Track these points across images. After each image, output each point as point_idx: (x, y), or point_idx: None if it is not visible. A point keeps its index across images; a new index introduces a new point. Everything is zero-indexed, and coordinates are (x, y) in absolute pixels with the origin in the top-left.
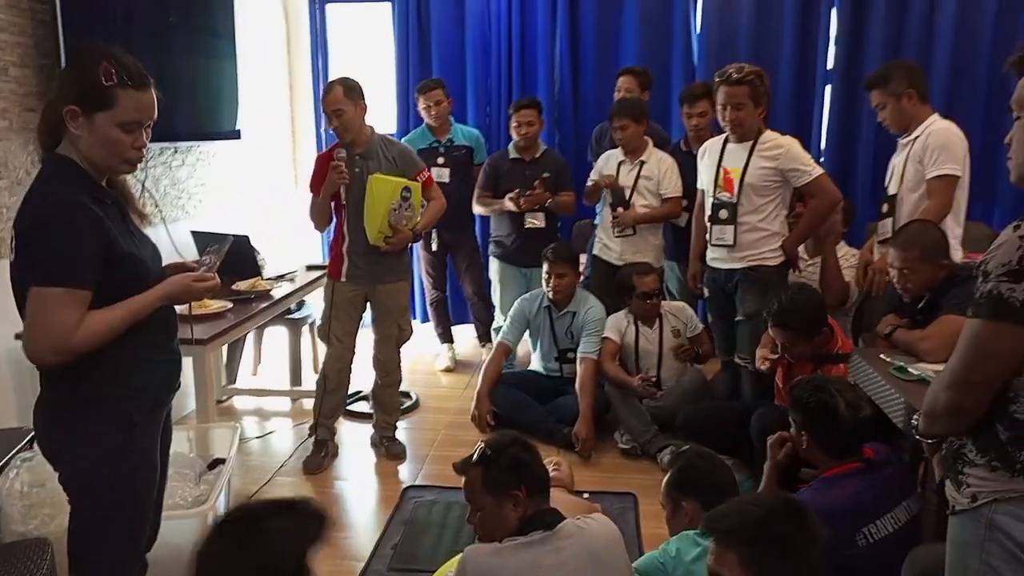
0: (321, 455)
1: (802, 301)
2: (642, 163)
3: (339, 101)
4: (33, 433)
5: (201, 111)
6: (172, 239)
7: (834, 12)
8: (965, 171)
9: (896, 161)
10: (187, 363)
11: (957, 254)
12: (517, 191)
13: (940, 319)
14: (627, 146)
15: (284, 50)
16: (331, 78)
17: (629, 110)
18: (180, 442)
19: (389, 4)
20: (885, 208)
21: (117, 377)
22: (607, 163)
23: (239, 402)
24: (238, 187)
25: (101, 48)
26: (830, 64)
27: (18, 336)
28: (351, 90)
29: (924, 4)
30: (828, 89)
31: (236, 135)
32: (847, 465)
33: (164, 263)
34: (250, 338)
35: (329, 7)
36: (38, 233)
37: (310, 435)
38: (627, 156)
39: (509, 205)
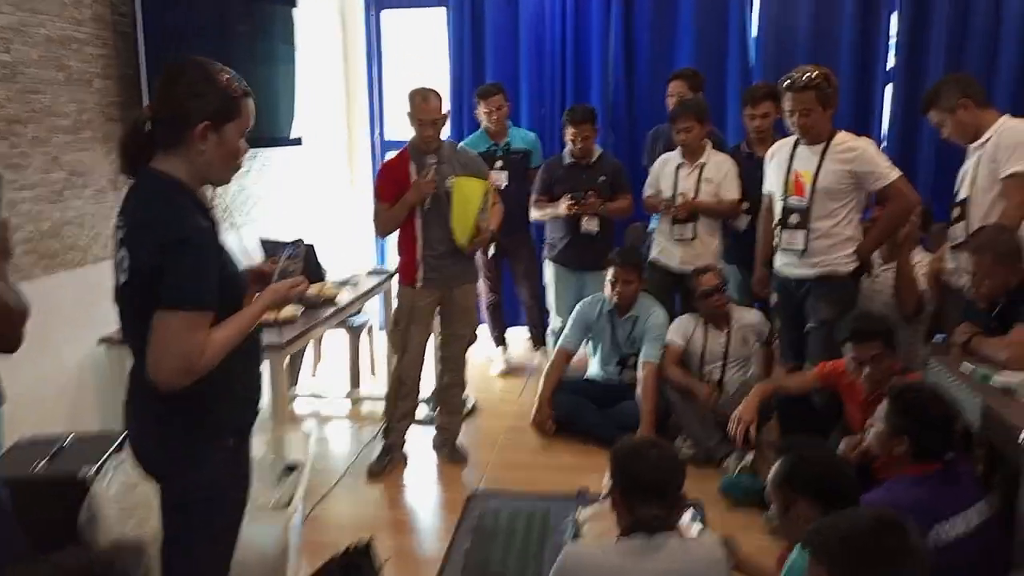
0: (386, 459)
1: (880, 319)
2: (702, 165)
3: (437, 110)
4: (128, 442)
5: (264, 118)
6: (241, 245)
7: (894, 16)
8: None
9: (967, 166)
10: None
11: None
12: (571, 196)
13: (1019, 327)
14: (688, 148)
15: (341, 56)
16: (385, 84)
17: (693, 111)
18: (257, 447)
19: (444, 9)
20: (956, 213)
21: (228, 388)
22: (664, 167)
23: (299, 405)
24: (298, 192)
25: (209, 61)
26: (890, 64)
27: (102, 340)
28: (441, 100)
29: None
30: (889, 89)
31: (297, 142)
32: (930, 466)
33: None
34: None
35: (384, 13)
36: (171, 257)
37: (384, 438)
38: (686, 158)
39: (563, 211)
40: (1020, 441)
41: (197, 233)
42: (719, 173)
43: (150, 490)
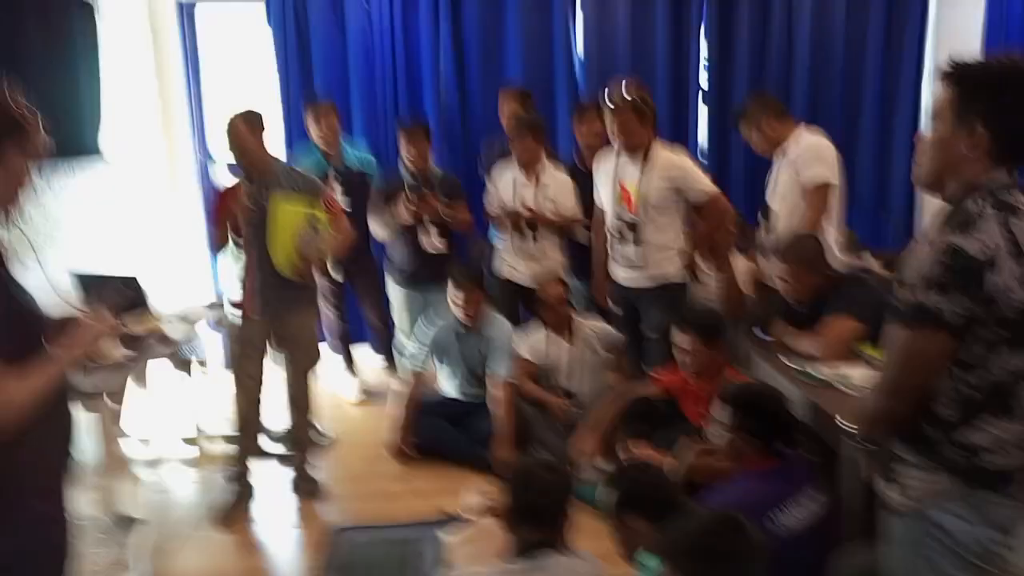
0: (239, 502)
1: (706, 310)
2: (539, 182)
3: (239, 136)
4: None
5: (63, 127)
6: (49, 280)
7: (703, 38)
8: (838, 177)
9: (772, 173)
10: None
11: (838, 257)
12: (407, 197)
13: (828, 321)
14: (527, 165)
15: (152, 60)
16: (205, 92)
17: (528, 128)
18: (84, 504)
19: (262, 5)
20: (763, 219)
21: (30, 446)
22: (503, 182)
23: (132, 449)
24: (113, 214)
25: None
26: (703, 82)
27: None
28: (252, 123)
29: (783, 19)
30: (701, 105)
31: (99, 154)
32: (768, 461)
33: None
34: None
35: (200, 13)
36: None
37: (228, 481)
38: (525, 174)
39: (403, 212)
40: (837, 423)
41: None
42: (557, 189)
43: None
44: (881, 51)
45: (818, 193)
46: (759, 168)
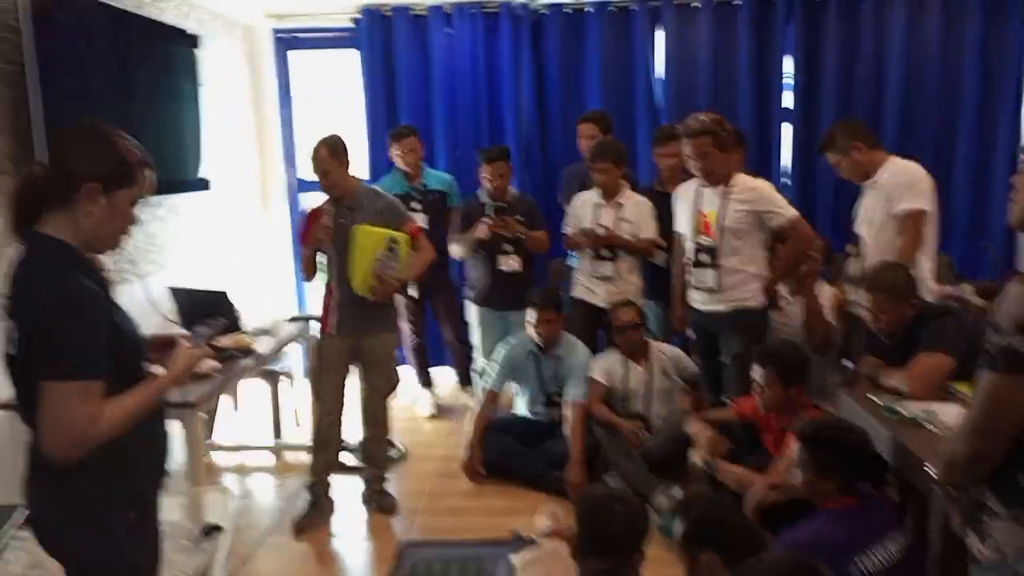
0: (315, 513)
1: (790, 348)
2: (620, 206)
3: (324, 161)
4: (30, 519)
5: (167, 163)
6: (148, 295)
7: (788, 59)
8: (932, 205)
9: (862, 203)
10: (175, 425)
11: (931, 287)
12: (487, 217)
13: (918, 358)
14: (607, 188)
15: (250, 97)
16: (297, 124)
17: (610, 153)
18: (172, 509)
19: (355, 50)
20: (853, 249)
21: (127, 459)
22: (583, 207)
23: (219, 457)
24: (210, 237)
25: (109, 127)
26: (786, 103)
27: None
28: (335, 149)
29: (874, 42)
30: (786, 128)
31: (205, 185)
32: (846, 500)
33: (142, 322)
34: None
35: (292, 53)
36: (52, 325)
37: (308, 492)
38: (604, 198)
39: (482, 230)
40: (926, 470)
41: (81, 298)
42: (637, 214)
43: (55, 568)
44: (978, 77)
45: (912, 222)
46: (846, 194)
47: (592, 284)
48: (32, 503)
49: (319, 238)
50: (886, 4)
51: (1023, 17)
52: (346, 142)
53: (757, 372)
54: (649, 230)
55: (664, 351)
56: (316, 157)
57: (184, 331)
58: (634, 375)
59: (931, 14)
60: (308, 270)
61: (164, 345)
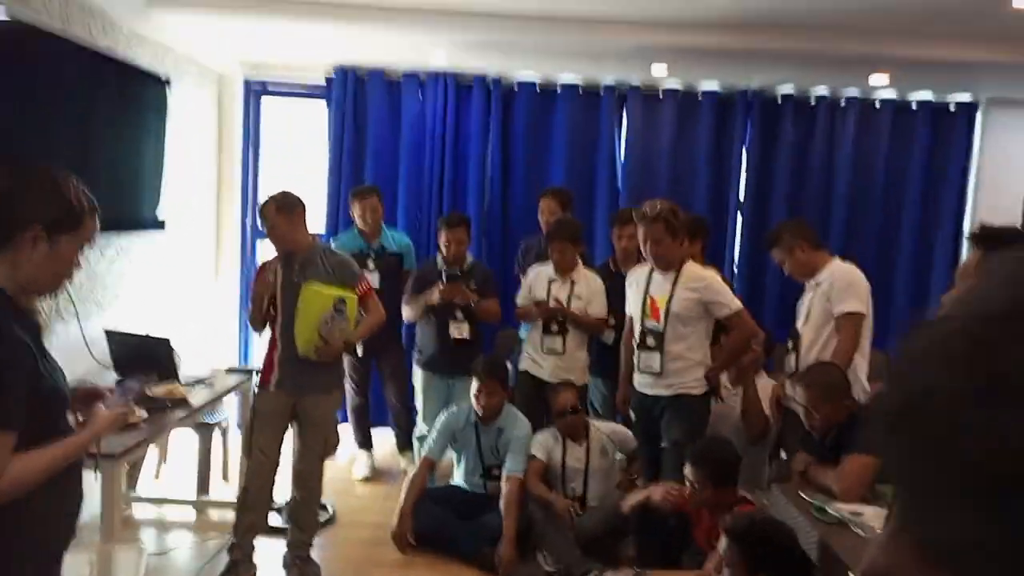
0: (232, 574)
1: (723, 449)
2: (573, 283)
3: (271, 217)
4: None
5: (124, 200)
6: (85, 336)
7: (744, 150)
8: (868, 308)
9: (804, 301)
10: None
11: (864, 388)
12: (440, 283)
13: (849, 460)
14: (561, 266)
15: (215, 140)
16: (262, 172)
17: (568, 233)
18: (79, 566)
19: (324, 102)
20: (791, 344)
21: (32, 514)
22: (537, 280)
23: (140, 510)
24: (158, 280)
25: (58, 171)
26: (741, 195)
27: None
28: (282, 205)
29: (825, 138)
30: (739, 218)
31: (160, 225)
32: None
33: (75, 363)
34: None
35: (266, 99)
36: None
37: (228, 553)
38: (559, 274)
39: (434, 294)
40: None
41: (4, 347)
42: (588, 290)
43: None
44: (922, 182)
45: (849, 322)
46: (793, 287)
47: (539, 357)
48: None
49: (259, 293)
50: (837, 108)
51: (969, 121)
52: (299, 198)
53: (690, 471)
54: (599, 307)
55: (603, 429)
56: (264, 212)
57: (111, 383)
58: (571, 454)
59: (881, 115)
60: (255, 323)
61: (90, 398)
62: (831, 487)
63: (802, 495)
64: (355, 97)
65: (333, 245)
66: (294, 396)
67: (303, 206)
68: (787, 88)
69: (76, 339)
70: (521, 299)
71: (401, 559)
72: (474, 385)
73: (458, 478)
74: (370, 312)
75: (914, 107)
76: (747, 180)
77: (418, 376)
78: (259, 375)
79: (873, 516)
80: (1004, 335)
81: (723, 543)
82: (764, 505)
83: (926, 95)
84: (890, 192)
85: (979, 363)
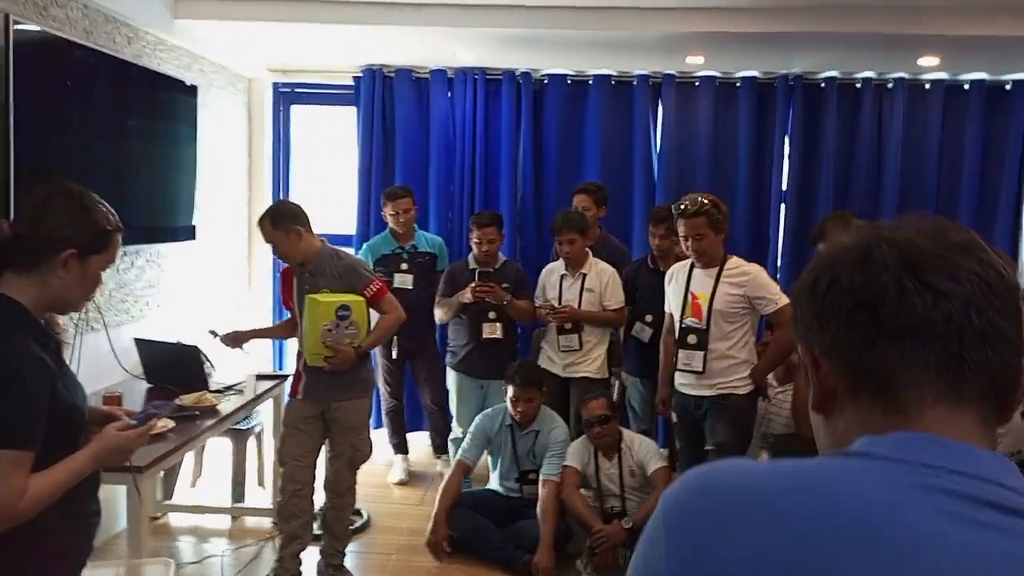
0: None
1: (798, 443)
2: (583, 276)
3: (269, 235)
4: None
5: (156, 210)
6: (112, 345)
7: (786, 138)
8: None
9: None
10: (120, 490)
11: None
12: (476, 281)
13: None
14: (571, 259)
15: (246, 150)
16: (293, 180)
17: (575, 224)
18: None
19: (353, 108)
20: None
21: (57, 540)
22: (549, 278)
23: (176, 519)
24: (190, 289)
25: (86, 193)
26: (784, 184)
27: None
28: (278, 220)
29: (872, 123)
30: (783, 209)
31: (191, 234)
32: None
33: (100, 372)
34: None
35: (294, 108)
36: None
37: (276, 562)
38: (569, 269)
39: (466, 294)
40: None
41: (24, 364)
42: (600, 282)
43: None
44: (978, 166)
45: None
46: None
47: (554, 354)
48: None
49: (285, 301)
50: (884, 91)
51: None
52: (295, 206)
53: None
54: (613, 297)
55: (634, 450)
56: (262, 231)
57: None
58: (603, 471)
59: (932, 100)
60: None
61: (105, 422)
62: None
63: None
64: (383, 97)
65: (364, 248)
66: (322, 404)
67: (302, 214)
68: (831, 72)
69: (105, 350)
70: (538, 299)
71: (437, 566)
72: (510, 391)
73: (494, 482)
74: (386, 313)
75: (966, 87)
76: (790, 170)
77: (451, 378)
78: (290, 384)
79: None
80: (841, 255)
81: None
82: None
83: (980, 75)
84: (943, 179)
85: (828, 267)
